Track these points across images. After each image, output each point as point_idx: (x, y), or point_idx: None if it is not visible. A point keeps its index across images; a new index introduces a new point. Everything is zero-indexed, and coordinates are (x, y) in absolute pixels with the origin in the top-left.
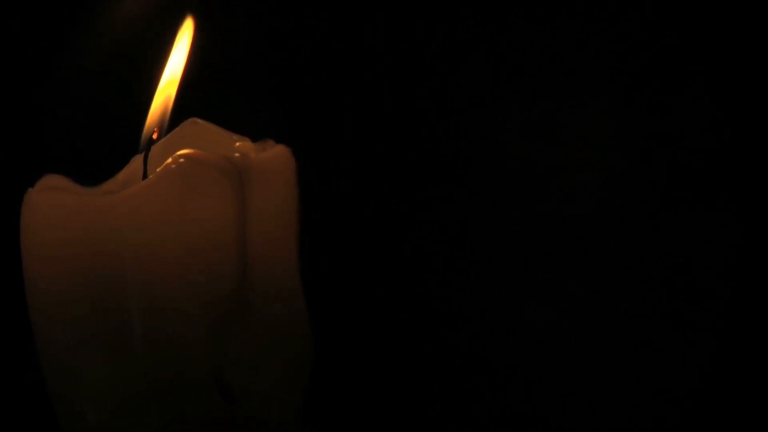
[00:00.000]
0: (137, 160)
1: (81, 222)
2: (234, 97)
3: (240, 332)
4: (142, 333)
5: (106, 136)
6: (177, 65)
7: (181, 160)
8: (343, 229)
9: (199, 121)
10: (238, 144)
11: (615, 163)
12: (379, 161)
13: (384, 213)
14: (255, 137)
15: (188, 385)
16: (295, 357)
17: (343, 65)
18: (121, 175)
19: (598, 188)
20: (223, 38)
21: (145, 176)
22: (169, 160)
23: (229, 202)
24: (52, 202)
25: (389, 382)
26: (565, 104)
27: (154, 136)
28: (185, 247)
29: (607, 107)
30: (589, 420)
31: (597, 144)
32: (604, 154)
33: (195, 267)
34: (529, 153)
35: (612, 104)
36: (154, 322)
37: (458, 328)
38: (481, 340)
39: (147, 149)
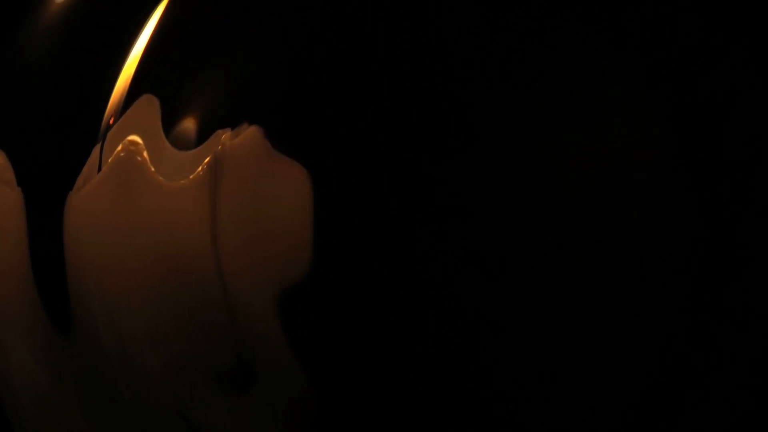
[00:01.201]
0: (95, 152)
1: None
2: (211, 80)
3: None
4: (104, 348)
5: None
6: (138, 46)
7: (131, 147)
8: (342, 227)
9: (154, 98)
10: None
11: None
12: (377, 157)
13: (382, 212)
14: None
15: (152, 412)
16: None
17: (340, 55)
18: (86, 168)
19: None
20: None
21: (99, 169)
22: (119, 147)
23: (193, 195)
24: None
25: (388, 382)
26: (573, 101)
27: (111, 122)
28: (142, 250)
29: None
30: (590, 420)
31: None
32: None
33: (156, 273)
34: (538, 149)
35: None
36: (115, 340)
37: (457, 328)
38: (489, 345)
39: (103, 138)
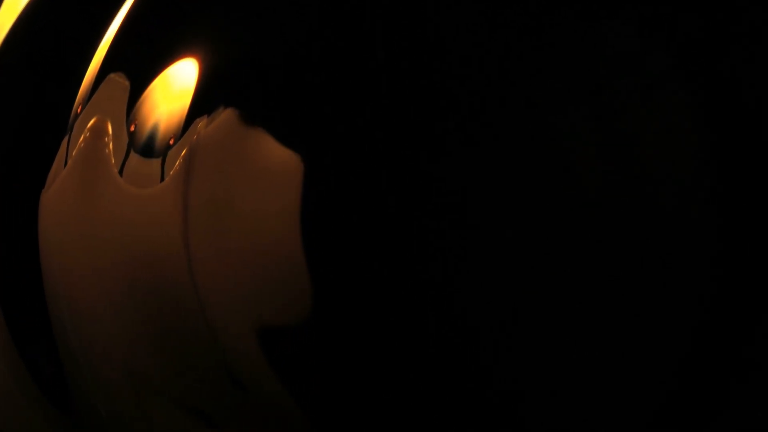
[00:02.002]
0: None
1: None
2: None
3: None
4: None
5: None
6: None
7: (95, 138)
8: (339, 226)
9: (123, 78)
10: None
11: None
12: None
13: (380, 212)
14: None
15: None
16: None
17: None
18: (55, 163)
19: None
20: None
21: (162, 179)
22: (82, 138)
23: (164, 192)
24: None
25: (387, 382)
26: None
27: (171, 142)
28: (107, 253)
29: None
30: (591, 420)
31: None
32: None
33: (123, 280)
34: (536, 151)
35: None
36: (83, 349)
37: (457, 328)
38: (487, 342)
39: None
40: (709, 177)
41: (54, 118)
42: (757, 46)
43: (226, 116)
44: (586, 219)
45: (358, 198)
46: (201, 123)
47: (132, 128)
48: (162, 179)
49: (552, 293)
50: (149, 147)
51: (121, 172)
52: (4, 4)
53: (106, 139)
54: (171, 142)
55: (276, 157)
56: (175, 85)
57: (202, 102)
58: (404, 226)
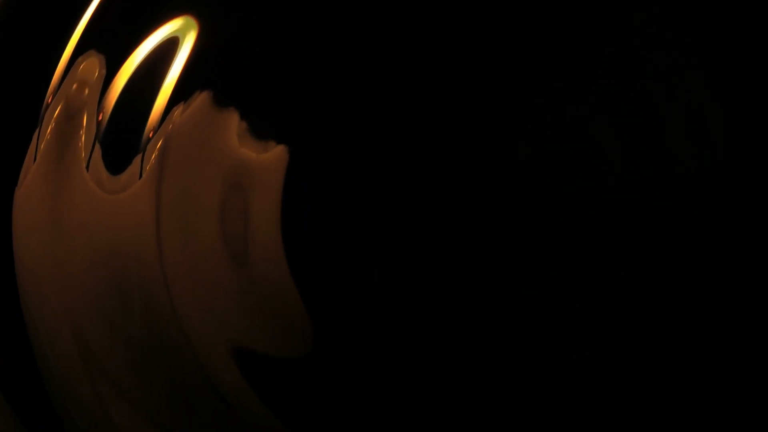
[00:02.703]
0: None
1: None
2: (234, 95)
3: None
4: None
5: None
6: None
7: (64, 129)
8: (341, 226)
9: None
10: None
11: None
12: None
13: (379, 211)
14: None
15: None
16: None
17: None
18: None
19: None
20: (221, 33)
21: (140, 176)
22: (49, 128)
23: (137, 189)
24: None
25: (386, 382)
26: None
27: (150, 135)
28: (78, 256)
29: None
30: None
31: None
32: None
33: (96, 284)
34: (535, 153)
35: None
36: (54, 350)
37: (457, 327)
38: (482, 337)
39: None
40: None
41: (28, 111)
42: None
43: (201, 100)
44: (608, 215)
45: (343, 195)
46: (177, 111)
47: (100, 117)
48: (141, 176)
49: (570, 294)
50: (124, 139)
51: (88, 167)
52: None
53: (78, 131)
54: (151, 135)
55: (256, 148)
56: (153, 71)
57: (181, 88)
58: (396, 225)
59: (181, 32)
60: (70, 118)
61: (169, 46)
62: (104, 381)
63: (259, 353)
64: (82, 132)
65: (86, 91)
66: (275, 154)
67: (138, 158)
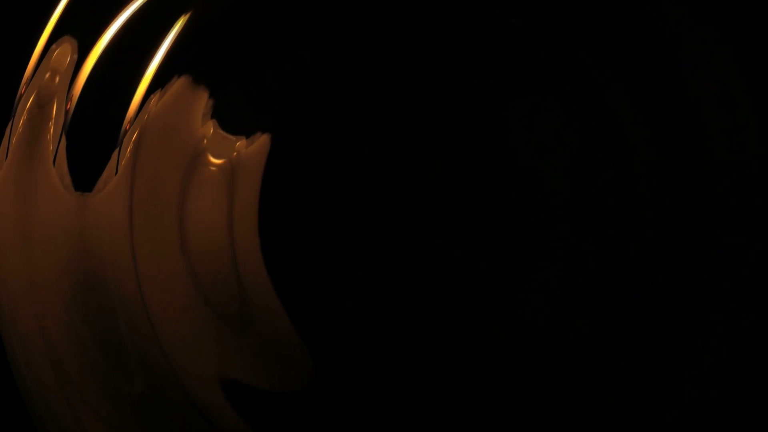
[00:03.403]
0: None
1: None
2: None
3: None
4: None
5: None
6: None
7: (33, 122)
8: (340, 225)
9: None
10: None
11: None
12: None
13: (378, 210)
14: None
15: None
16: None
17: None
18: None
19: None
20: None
21: (117, 171)
22: (21, 120)
23: (110, 189)
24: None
25: (385, 381)
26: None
27: (127, 128)
28: (48, 261)
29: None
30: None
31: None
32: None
33: (68, 293)
34: (529, 149)
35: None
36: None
37: (457, 325)
38: (480, 339)
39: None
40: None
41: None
42: None
43: (177, 87)
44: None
45: (325, 189)
46: (153, 99)
47: (68, 106)
48: (116, 172)
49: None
50: (99, 132)
51: (54, 162)
52: None
53: (47, 123)
54: (128, 127)
55: (231, 138)
56: (131, 58)
57: (158, 76)
58: (372, 222)
59: (160, 16)
60: (41, 107)
61: (149, 31)
62: (75, 393)
63: (241, 378)
64: (51, 124)
65: (57, 80)
66: (253, 144)
67: (115, 153)
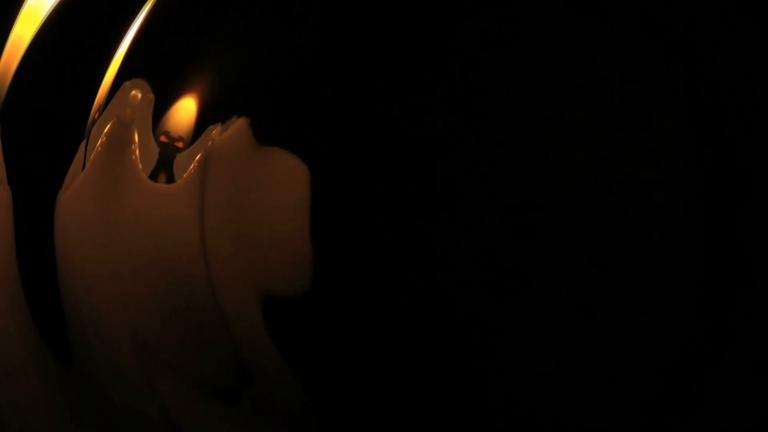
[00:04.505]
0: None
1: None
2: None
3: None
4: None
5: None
6: (128, 37)
7: (113, 141)
8: (341, 226)
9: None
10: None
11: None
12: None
13: (382, 210)
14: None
15: (143, 420)
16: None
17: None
18: (72, 167)
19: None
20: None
21: (84, 165)
22: (99, 142)
23: (182, 196)
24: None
25: (388, 386)
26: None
27: (96, 117)
28: (127, 255)
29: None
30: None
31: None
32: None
33: (144, 280)
34: (542, 153)
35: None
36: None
37: (460, 326)
38: (489, 347)
39: (88, 134)
40: (693, 178)
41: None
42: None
43: (239, 124)
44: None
45: (356, 200)
46: (215, 130)
47: (149, 133)
48: (179, 182)
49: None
50: (166, 150)
51: (139, 176)
52: (22, 15)
53: (124, 143)
54: (180, 145)
55: (285, 164)
56: (191, 92)
57: (215, 109)
58: (404, 222)
59: (214, 57)
60: (120, 133)
61: (205, 70)
62: (149, 355)
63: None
64: (129, 142)
65: (135, 113)
66: (298, 164)
67: (181, 168)
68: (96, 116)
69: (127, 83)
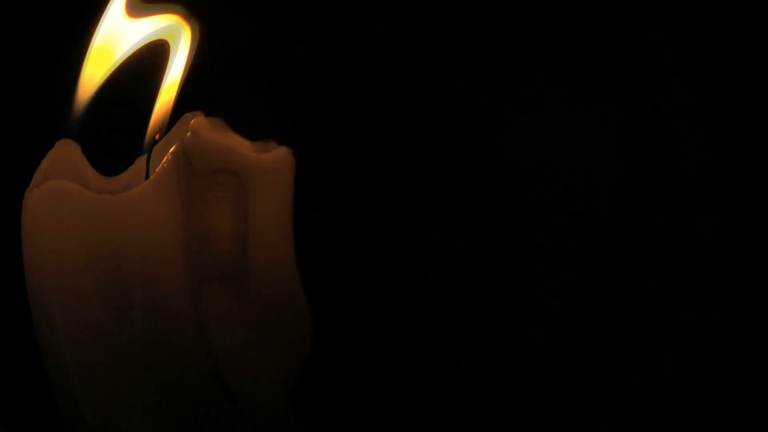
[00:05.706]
0: (141, 162)
1: (85, 225)
2: (234, 96)
3: (237, 331)
4: (144, 336)
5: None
6: (178, 68)
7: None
8: (342, 226)
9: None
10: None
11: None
12: (379, 159)
13: (383, 211)
14: (255, 137)
15: (191, 385)
16: (293, 352)
17: (344, 64)
18: (123, 177)
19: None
20: (221, 36)
21: (147, 177)
22: (164, 160)
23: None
24: (54, 203)
25: (387, 379)
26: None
27: (156, 137)
28: (188, 248)
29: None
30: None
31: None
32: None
33: (202, 269)
34: (532, 152)
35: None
36: (155, 325)
37: (459, 324)
38: (482, 338)
39: (149, 150)
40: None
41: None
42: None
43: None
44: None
45: (346, 195)
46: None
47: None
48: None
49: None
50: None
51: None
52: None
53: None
54: (156, 137)
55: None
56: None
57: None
58: (395, 225)
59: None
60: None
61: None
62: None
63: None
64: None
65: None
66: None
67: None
68: (156, 137)
69: (187, 114)
